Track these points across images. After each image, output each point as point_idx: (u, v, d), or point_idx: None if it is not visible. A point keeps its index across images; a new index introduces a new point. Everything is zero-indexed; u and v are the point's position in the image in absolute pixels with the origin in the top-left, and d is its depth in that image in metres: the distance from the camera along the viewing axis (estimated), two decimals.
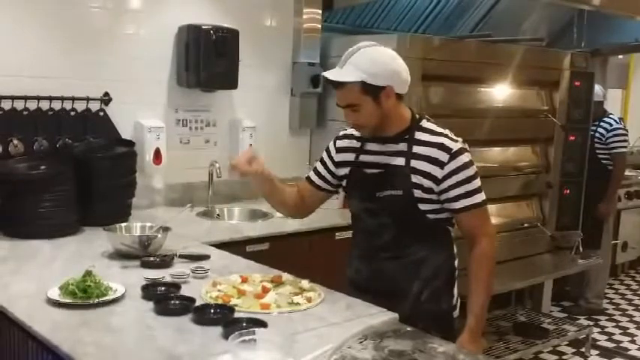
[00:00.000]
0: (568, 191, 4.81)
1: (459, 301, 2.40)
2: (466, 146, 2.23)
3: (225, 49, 3.67)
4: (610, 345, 4.80)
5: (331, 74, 2.17)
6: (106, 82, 3.47)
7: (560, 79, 4.71)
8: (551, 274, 4.78)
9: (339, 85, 2.16)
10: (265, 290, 2.17)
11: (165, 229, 2.69)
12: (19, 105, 3.20)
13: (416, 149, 2.20)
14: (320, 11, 4.27)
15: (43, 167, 3.03)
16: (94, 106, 3.42)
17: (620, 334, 5.02)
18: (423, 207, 2.22)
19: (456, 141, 2.21)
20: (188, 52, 3.64)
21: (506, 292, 4.74)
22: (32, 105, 3.22)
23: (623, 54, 7.08)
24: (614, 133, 5.28)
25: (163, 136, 3.57)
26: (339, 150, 2.40)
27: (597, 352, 4.63)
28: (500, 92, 4.51)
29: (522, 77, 4.49)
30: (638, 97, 7.78)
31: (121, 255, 2.58)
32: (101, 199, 3.09)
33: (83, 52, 3.40)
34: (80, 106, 3.37)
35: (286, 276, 2.34)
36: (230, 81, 3.76)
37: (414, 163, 2.19)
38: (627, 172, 6.19)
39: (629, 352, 4.67)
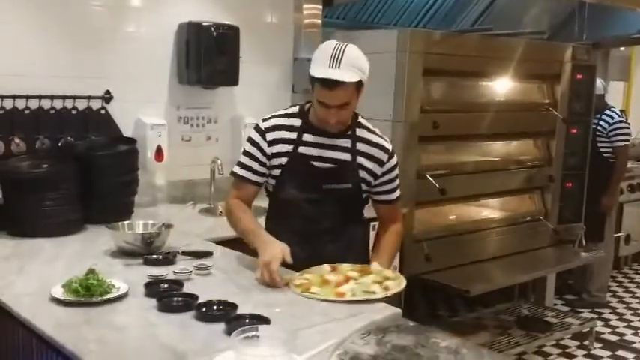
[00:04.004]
0: (570, 184, 4.82)
1: None
2: None
3: (225, 45, 3.67)
4: (614, 338, 4.80)
5: (336, 75, 2.22)
6: (107, 80, 3.47)
7: (561, 72, 4.71)
8: (554, 268, 4.79)
9: (341, 84, 2.22)
10: (347, 279, 2.21)
11: (168, 227, 2.69)
12: (21, 104, 3.20)
13: (359, 147, 2.41)
14: (320, 7, 4.27)
15: (45, 166, 3.04)
16: (96, 105, 3.43)
17: (624, 326, 5.02)
18: (363, 196, 2.50)
19: (389, 142, 2.49)
20: (188, 50, 3.64)
21: (509, 286, 4.75)
22: (34, 104, 3.23)
23: (624, 46, 7.06)
24: (616, 126, 5.27)
25: (165, 134, 3.57)
26: (271, 143, 2.44)
27: (601, 345, 4.63)
28: (502, 86, 4.51)
29: (524, 71, 4.48)
30: None
31: (123, 253, 2.58)
32: (103, 197, 3.09)
33: (84, 50, 3.40)
34: (82, 105, 3.37)
35: (375, 266, 2.34)
36: (231, 78, 3.76)
37: (359, 160, 2.40)
38: (630, 165, 6.18)
39: (633, 345, 4.67)
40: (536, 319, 4.58)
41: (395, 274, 2.30)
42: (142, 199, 3.46)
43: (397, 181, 2.53)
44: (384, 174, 2.46)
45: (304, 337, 1.80)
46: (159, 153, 3.53)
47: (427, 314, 4.74)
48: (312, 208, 2.42)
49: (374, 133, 2.46)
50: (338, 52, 2.25)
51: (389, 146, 2.46)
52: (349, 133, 2.40)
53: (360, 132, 2.42)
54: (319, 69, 2.27)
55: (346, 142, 2.39)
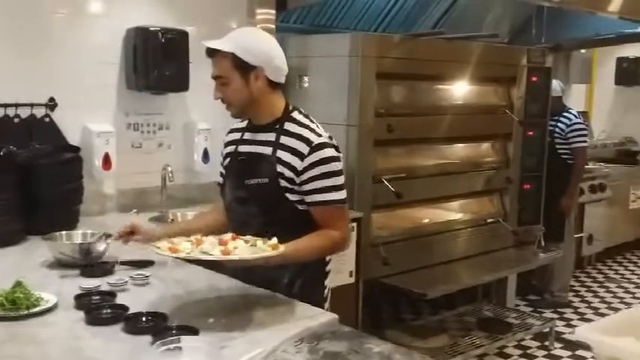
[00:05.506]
0: (528, 186, 4.83)
1: (329, 293, 2.46)
2: (333, 142, 2.26)
3: (174, 51, 3.61)
4: (574, 338, 4.80)
5: (208, 42, 2.24)
6: (51, 87, 3.39)
7: (517, 75, 4.72)
8: (514, 269, 4.81)
9: (212, 52, 2.23)
10: (223, 242, 2.00)
11: (108, 236, 2.63)
12: None
13: (283, 139, 2.24)
14: (273, 11, 4.22)
15: None
16: (40, 112, 3.35)
17: None
18: (291, 197, 2.24)
19: (320, 135, 2.23)
20: (136, 55, 3.58)
21: (472, 288, 4.75)
22: None
23: (583, 49, 7.12)
24: (574, 127, 5.29)
25: (113, 141, 3.49)
26: (225, 145, 2.48)
27: (561, 345, 4.64)
28: (459, 89, 4.52)
29: (480, 74, 4.49)
30: (602, 92, 7.83)
31: (61, 264, 2.51)
32: (46, 207, 3.01)
33: (27, 56, 3.32)
34: (24, 113, 3.30)
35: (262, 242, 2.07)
36: (181, 83, 3.70)
37: (279, 153, 2.23)
38: (591, 166, 6.24)
39: None
40: (497, 321, 4.59)
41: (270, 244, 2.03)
42: (90, 208, 3.39)
43: (329, 181, 2.20)
44: (307, 169, 2.19)
45: (232, 347, 1.76)
46: (106, 161, 3.46)
47: (389, 318, 4.73)
48: (241, 209, 2.33)
49: (305, 127, 2.25)
50: (235, 30, 2.33)
51: (314, 138, 2.20)
52: (277, 126, 2.28)
53: (287, 125, 2.26)
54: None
55: (271, 136, 2.27)
